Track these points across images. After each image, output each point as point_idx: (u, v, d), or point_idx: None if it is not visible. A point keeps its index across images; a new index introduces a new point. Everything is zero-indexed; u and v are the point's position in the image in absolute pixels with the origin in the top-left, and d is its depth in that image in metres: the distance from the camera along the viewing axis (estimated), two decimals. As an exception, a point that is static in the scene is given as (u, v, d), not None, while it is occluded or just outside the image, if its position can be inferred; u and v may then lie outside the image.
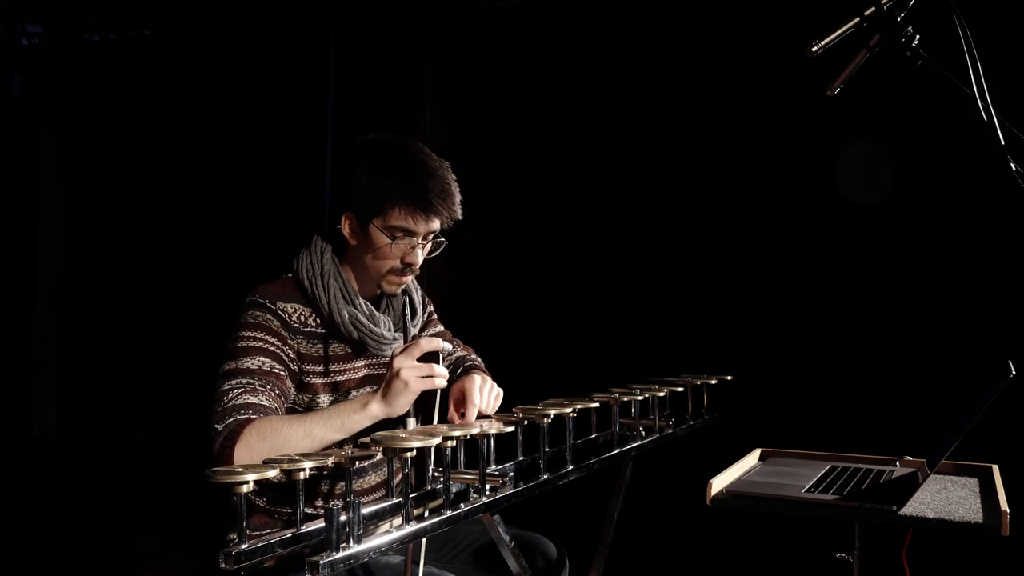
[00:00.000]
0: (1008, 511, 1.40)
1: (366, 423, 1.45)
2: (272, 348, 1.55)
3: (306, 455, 1.20)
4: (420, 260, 1.64)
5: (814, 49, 1.46)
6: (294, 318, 1.60)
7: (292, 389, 1.59)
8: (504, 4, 4.49)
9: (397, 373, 1.42)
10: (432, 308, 1.94)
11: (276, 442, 1.39)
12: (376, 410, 1.44)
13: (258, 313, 1.57)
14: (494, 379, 1.69)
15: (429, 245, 1.67)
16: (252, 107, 5.15)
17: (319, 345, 1.63)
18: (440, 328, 1.94)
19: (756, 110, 3.85)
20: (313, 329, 1.62)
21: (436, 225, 1.63)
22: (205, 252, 5.27)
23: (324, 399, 1.62)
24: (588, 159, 4.26)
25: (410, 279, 1.70)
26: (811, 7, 2.60)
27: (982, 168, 3.47)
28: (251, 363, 1.51)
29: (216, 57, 5.28)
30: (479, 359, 1.91)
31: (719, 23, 3.95)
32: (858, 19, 1.42)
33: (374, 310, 1.67)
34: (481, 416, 1.55)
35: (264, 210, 4.99)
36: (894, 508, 1.43)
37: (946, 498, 1.55)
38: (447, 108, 4.56)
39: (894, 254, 3.63)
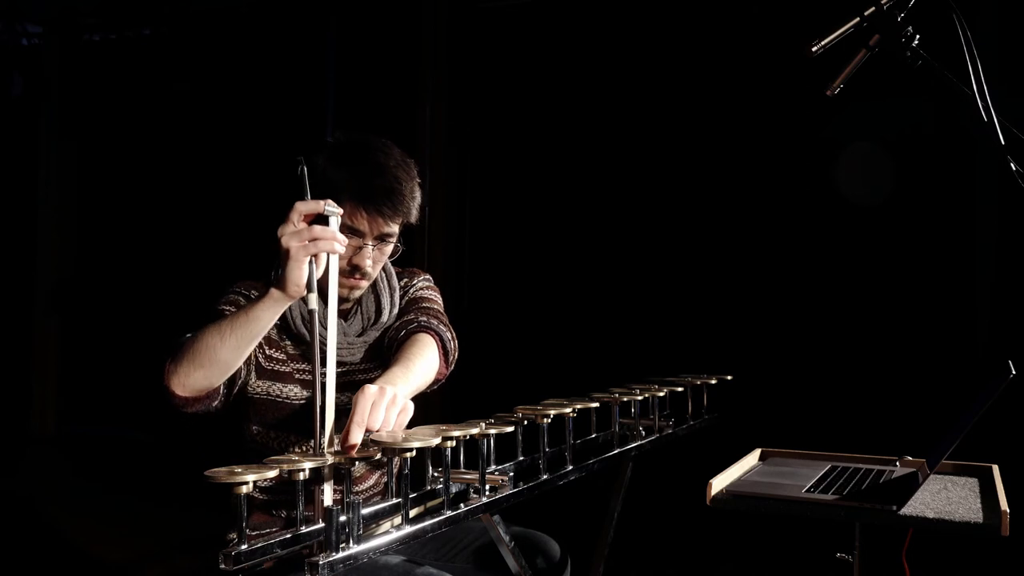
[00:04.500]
0: (1008, 511, 1.39)
1: (270, 308, 1.35)
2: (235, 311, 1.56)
3: (305, 454, 1.20)
4: (367, 263, 1.58)
5: (814, 49, 1.45)
6: None
7: (252, 365, 1.59)
8: (504, 4, 4.49)
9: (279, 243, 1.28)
10: (418, 291, 1.77)
11: (197, 347, 1.39)
12: (275, 292, 1.32)
13: (231, 295, 1.62)
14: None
15: (388, 249, 1.63)
16: (252, 107, 5.15)
17: (287, 342, 1.63)
18: (424, 303, 1.75)
19: (756, 110, 3.85)
20: (279, 322, 1.62)
21: (386, 227, 1.59)
22: (205, 252, 5.27)
23: (295, 391, 1.62)
24: (588, 158, 4.26)
25: (364, 283, 1.63)
26: (811, 7, 2.60)
27: (982, 168, 3.47)
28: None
29: (216, 57, 5.28)
30: (436, 322, 1.65)
31: (719, 23, 3.95)
32: (858, 19, 1.42)
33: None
34: (374, 439, 1.20)
35: (264, 210, 4.98)
36: (894, 508, 1.43)
37: (946, 498, 1.55)
38: (447, 108, 4.56)
39: (894, 254, 3.63)
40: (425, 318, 1.65)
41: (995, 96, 1.33)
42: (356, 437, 1.20)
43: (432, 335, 1.61)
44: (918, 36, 1.40)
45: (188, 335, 1.44)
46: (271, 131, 5.05)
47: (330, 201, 1.29)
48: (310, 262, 1.27)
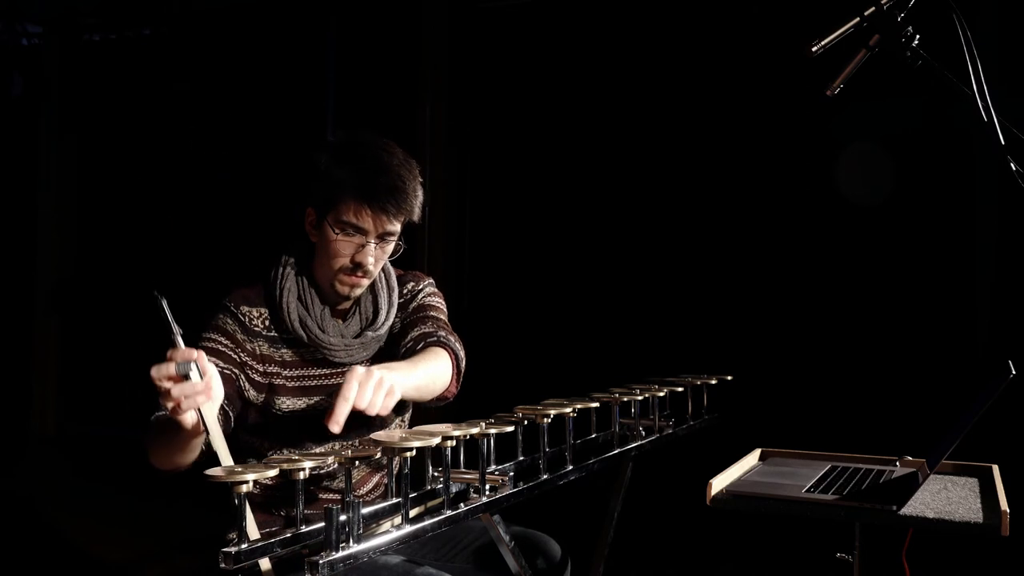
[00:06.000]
0: (1008, 511, 1.39)
1: (182, 431, 1.30)
2: (223, 349, 1.58)
3: (305, 455, 1.20)
4: (370, 261, 1.59)
5: (814, 49, 1.45)
6: (256, 322, 1.62)
7: (247, 387, 1.60)
8: (504, 4, 4.49)
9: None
10: (426, 298, 1.78)
11: (151, 444, 1.43)
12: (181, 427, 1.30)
13: (220, 316, 1.62)
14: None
15: (390, 247, 1.63)
16: (252, 107, 5.15)
17: (284, 350, 1.63)
18: (432, 312, 1.75)
19: (756, 110, 3.85)
20: (275, 334, 1.63)
21: (389, 225, 1.59)
22: (204, 251, 5.27)
23: (289, 402, 1.63)
24: (588, 158, 4.26)
25: (365, 282, 1.63)
26: (811, 7, 2.60)
27: (981, 168, 3.47)
28: None
29: (216, 57, 5.28)
30: (453, 339, 1.66)
31: (719, 23, 3.95)
32: (858, 19, 1.42)
33: (327, 315, 1.64)
34: (360, 416, 1.25)
35: (263, 210, 4.99)
36: (894, 508, 1.43)
37: (946, 498, 1.55)
38: (447, 108, 4.56)
39: (894, 254, 3.63)
40: (444, 333, 1.66)
41: (995, 96, 1.33)
42: (342, 411, 1.22)
43: (449, 352, 1.62)
44: (918, 36, 1.40)
45: (155, 416, 1.45)
46: (271, 131, 5.05)
47: (181, 352, 1.25)
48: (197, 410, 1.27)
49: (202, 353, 1.26)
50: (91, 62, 5.74)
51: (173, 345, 1.27)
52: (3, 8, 5.66)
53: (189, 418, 1.26)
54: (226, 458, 1.30)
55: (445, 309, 1.80)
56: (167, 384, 1.23)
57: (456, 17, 4.57)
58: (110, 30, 5.70)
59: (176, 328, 1.28)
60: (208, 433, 1.30)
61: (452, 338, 1.66)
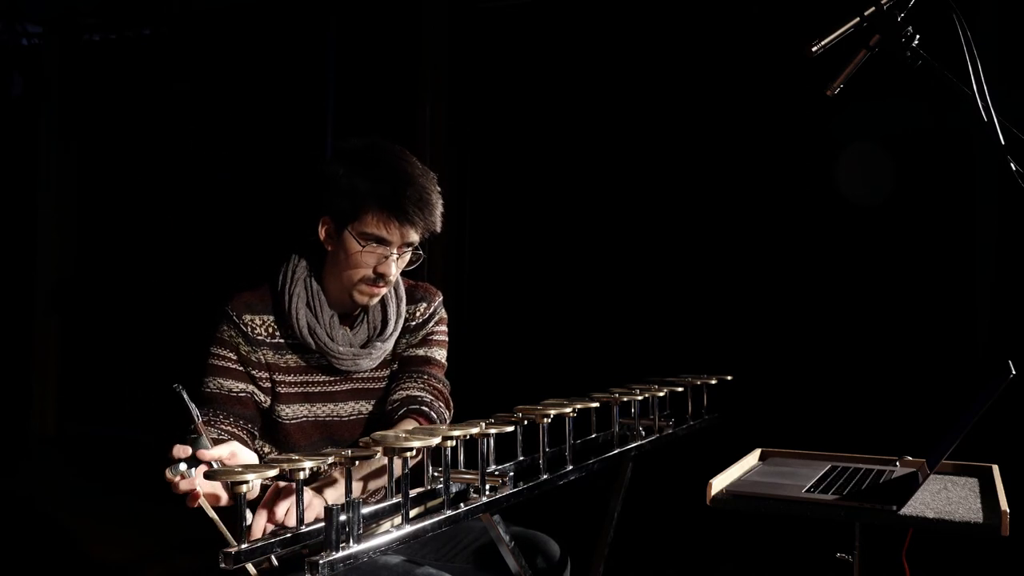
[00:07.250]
0: (1008, 511, 1.39)
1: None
2: (232, 367, 1.60)
3: (305, 455, 1.20)
4: (393, 271, 1.60)
5: (814, 49, 1.45)
6: (260, 330, 1.61)
7: (264, 401, 1.62)
8: (504, 4, 4.49)
9: None
10: (436, 326, 1.79)
11: None
12: None
13: (224, 328, 1.61)
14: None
15: (408, 256, 1.64)
16: (252, 107, 5.15)
17: (289, 355, 1.63)
18: (436, 351, 1.78)
19: (756, 110, 3.85)
20: (281, 340, 1.62)
21: (413, 236, 1.60)
22: (205, 251, 5.27)
23: (290, 409, 1.63)
24: (588, 158, 4.27)
25: (384, 291, 1.64)
26: (811, 7, 2.60)
27: (981, 168, 3.47)
28: (212, 385, 1.58)
29: (216, 57, 5.28)
30: (439, 403, 1.68)
31: (719, 23, 3.95)
32: (858, 19, 1.42)
33: (336, 323, 1.63)
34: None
35: (264, 210, 4.99)
36: (894, 508, 1.43)
37: (946, 498, 1.55)
38: (447, 108, 4.56)
39: (894, 254, 3.63)
40: (430, 399, 1.66)
41: (995, 96, 1.33)
42: (259, 524, 1.28)
43: (424, 423, 1.62)
44: (918, 36, 1.40)
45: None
46: (271, 131, 5.05)
47: (175, 451, 1.29)
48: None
49: (206, 451, 1.29)
50: (91, 62, 5.74)
51: (193, 429, 1.32)
52: (3, 8, 5.67)
53: (193, 502, 1.29)
54: (227, 533, 1.26)
55: (447, 339, 1.81)
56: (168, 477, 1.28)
57: (456, 17, 4.57)
58: (110, 30, 5.70)
59: (197, 414, 1.33)
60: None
61: (439, 402, 1.67)
